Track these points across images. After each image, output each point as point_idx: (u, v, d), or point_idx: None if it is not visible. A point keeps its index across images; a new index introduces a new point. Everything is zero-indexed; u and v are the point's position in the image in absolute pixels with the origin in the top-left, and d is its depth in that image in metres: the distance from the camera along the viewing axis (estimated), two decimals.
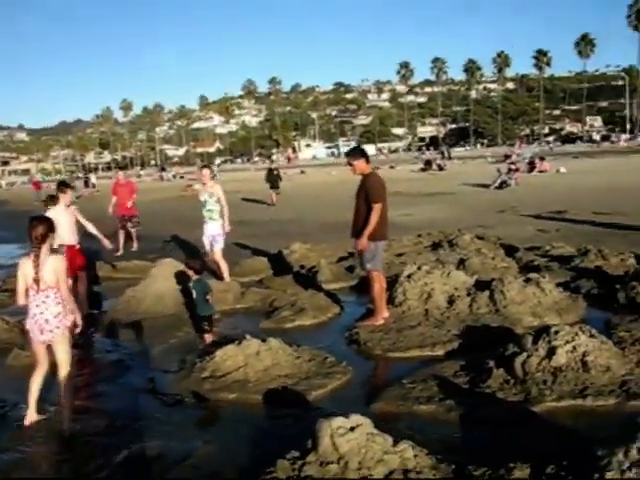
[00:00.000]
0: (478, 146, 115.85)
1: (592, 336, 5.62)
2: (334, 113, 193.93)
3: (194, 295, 7.66)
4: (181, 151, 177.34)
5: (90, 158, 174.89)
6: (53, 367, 5.46)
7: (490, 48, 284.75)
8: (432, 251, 12.34)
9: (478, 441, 4.62)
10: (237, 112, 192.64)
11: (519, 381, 5.38)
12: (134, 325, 8.57)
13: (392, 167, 52.44)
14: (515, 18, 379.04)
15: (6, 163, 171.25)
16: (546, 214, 17.37)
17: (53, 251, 5.48)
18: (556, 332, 5.60)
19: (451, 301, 7.96)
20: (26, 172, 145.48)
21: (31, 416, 5.47)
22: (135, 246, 16.22)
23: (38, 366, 5.50)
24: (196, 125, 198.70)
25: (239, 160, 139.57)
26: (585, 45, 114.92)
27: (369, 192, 7.63)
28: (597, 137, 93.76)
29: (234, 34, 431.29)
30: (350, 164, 7.86)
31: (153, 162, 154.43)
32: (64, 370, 5.38)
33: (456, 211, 19.87)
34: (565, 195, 22.44)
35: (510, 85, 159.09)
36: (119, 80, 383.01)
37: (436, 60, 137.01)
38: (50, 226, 5.35)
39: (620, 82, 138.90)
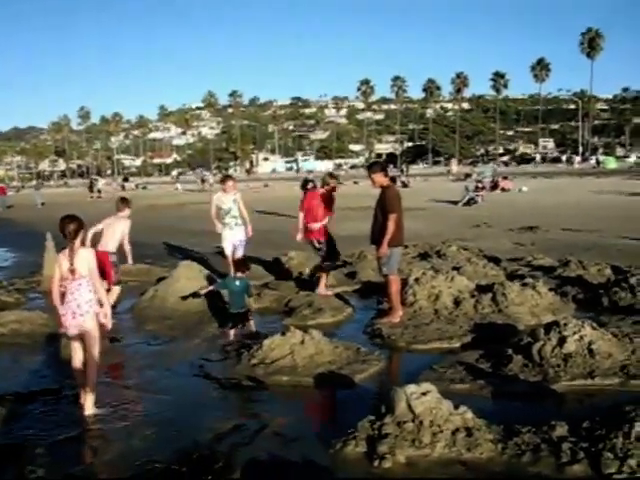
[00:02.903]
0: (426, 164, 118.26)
1: (594, 328, 6.59)
2: (291, 127, 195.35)
3: (232, 291, 8.40)
4: (138, 161, 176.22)
5: (44, 166, 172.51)
6: None
7: (448, 69, 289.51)
8: (421, 261, 13.26)
9: (513, 410, 5.52)
10: (195, 124, 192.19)
11: (536, 365, 6.31)
12: (164, 321, 9.27)
13: (356, 182, 53.43)
14: (473, 40, 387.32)
15: None
16: (518, 229, 18.54)
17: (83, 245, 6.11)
18: (565, 324, 6.56)
19: (457, 302, 8.90)
20: None
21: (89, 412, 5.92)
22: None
23: (73, 353, 6.09)
24: (153, 135, 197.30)
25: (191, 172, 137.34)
26: (541, 69, 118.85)
27: (386, 203, 8.52)
28: (563, 157, 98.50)
29: (195, 45, 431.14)
30: (370, 177, 8.75)
31: (110, 171, 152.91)
32: (93, 353, 5.93)
33: (431, 226, 20.87)
34: (531, 212, 23.73)
35: (466, 105, 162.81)
36: (76, 88, 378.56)
37: (396, 79, 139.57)
38: (80, 223, 5.98)
39: (572, 106, 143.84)
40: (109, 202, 18.13)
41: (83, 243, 6.10)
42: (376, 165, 9.08)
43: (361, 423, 4.84)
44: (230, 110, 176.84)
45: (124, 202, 9.82)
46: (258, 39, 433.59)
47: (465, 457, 4.50)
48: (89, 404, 5.88)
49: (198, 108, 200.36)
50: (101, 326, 6.04)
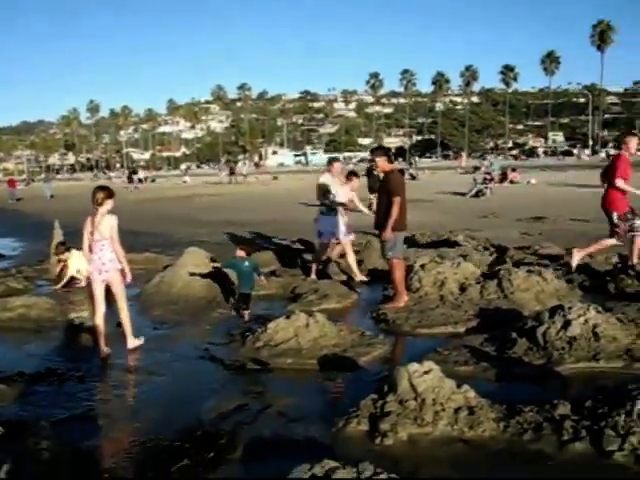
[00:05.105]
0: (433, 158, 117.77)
1: (599, 312, 6.57)
2: (300, 121, 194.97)
3: (242, 272, 8.55)
4: (147, 155, 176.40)
5: (54, 159, 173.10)
6: None
7: (457, 62, 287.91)
8: (428, 249, 13.25)
9: (516, 392, 5.51)
10: (204, 117, 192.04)
11: (541, 348, 6.29)
12: (170, 306, 9.30)
13: (364, 175, 53.39)
14: (483, 33, 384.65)
15: None
16: (526, 220, 18.47)
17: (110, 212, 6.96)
18: (569, 308, 6.55)
19: (463, 288, 8.89)
20: None
21: (104, 350, 7.03)
22: None
23: (96, 307, 7.10)
24: (162, 129, 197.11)
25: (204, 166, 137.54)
26: (550, 62, 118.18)
27: (390, 187, 8.55)
28: (575, 151, 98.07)
29: (204, 38, 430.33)
30: (374, 160, 8.78)
31: (119, 165, 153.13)
32: (121, 299, 7.17)
33: (438, 216, 20.86)
34: (539, 203, 23.62)
35: (475, 99, 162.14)
36: (85, 82, 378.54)
37: (405, 72, 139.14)
38: (109, 192, 6.97)
39: (582, 99, 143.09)
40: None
41: (110, 211, 6.94)
42: (379, 149, 9.15)
43: (364, 402, 4.85)
44: (239, 104, 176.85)
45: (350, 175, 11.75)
46: (266, 32, 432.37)
47: (467, 435, 4.50)
48: (130, 340, 7.22)
49: (207, 102, 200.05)
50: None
